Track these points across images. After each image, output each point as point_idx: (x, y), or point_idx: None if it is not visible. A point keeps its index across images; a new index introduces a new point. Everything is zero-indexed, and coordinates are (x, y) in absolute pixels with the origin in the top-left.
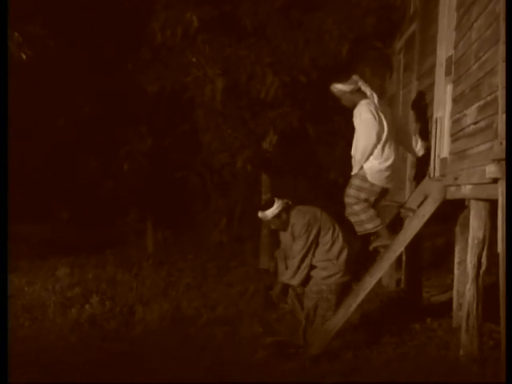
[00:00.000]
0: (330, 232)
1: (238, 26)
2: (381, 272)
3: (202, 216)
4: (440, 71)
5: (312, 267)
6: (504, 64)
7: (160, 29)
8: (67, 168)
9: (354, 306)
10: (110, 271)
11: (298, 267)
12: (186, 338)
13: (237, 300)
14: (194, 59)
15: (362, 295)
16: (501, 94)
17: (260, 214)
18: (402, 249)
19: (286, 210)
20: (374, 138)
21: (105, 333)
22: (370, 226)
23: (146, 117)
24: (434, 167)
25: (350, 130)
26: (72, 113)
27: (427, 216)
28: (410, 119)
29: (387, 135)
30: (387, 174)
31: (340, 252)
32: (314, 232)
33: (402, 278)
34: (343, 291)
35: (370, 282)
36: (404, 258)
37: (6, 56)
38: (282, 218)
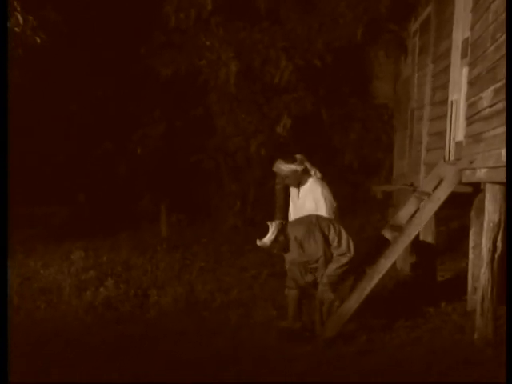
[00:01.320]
0: (332, 230)
1: (252, 9)
2: (395, 255)
3: (216, 200)
4: (456, 54)
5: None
6: None
7: (174, 12)
8: (81, 151)
9: (369, 289)
10: (125, 254)
11: (326, 265)
12: (199, 322)
13: (251, 284)
14: (207, 42)
15: (376, 278)
16: None
17: (259, 243)
18: (417, 232)
19: (281, 231)
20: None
21: (119, 315)
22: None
23: (160, 100)
24: (449, 150)
25: (365, 114)
26: (86, 96)
27: (442, 199)
28: (425, 102)
29: None
30: None
31: (348, 244)
32: (317, 232)
33: (416, 261)
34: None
35: (384, 265)
36: (418, 241)
37: (6, 54)
38: (281, 240)
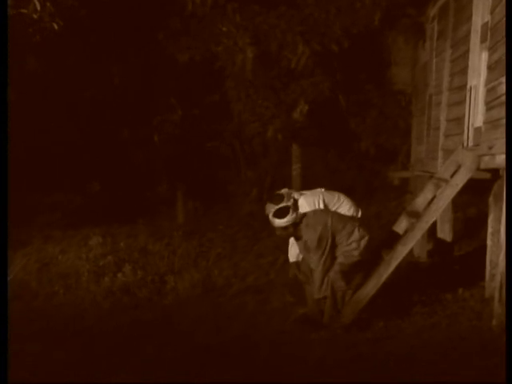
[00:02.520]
0: (344, 231)
1: None
2: (412, 242)
3: (233, 186)
4: (475, 38)
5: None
6: None
7: None
8: (99, 138)
9: (385, 275)
10: (142, 241)
11: (322, 281)
12: (216, 307)
13: (267, 270)
14: (224, 28)
15: (393, 265)
16: None
17: (267, 212)
18: (435, 219)
19: (293, 225)
20: None
21: (137, 301)
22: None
23: (177, 87)
24: (468, 136)
25: (382, 100)
26: (102, 83)
27: (460, 186)
28: (444, 88)
29: None
30: None
31: (359, 241)
32: (328, 242)
33: (434, 248)
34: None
35: (401, 252)
36: (436, 228)
37: (6, 54)
38: (289, 231)
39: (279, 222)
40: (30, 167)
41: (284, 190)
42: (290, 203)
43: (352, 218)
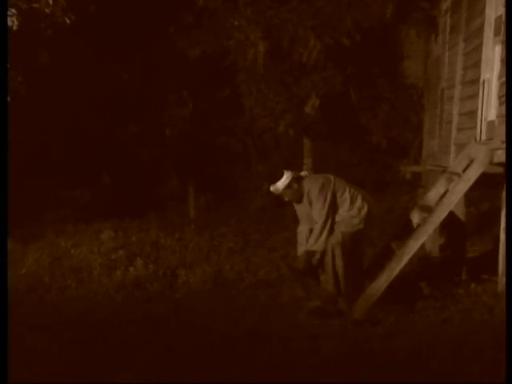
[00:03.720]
0: (347, 192)
1: None
2: (424, 236)
3: (244, 181)
4: (488, 31)
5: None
6: None
7: None
8: (110, 133)
9: (397, 270)
10: (153, 235)
11: (321, 232)
12: (228, 301)
13: (279, 264)
14: (235, 22)
15: (405, 259)
16: None
17: (272, 188)
18: (447, 213)
19: (296, 179)
20: None
21: (149, 295)
22: None
23: (188, 81)
24: (481, 130)
25: (394, 94)
26: (113, 77)
27: (473, 180)
28: (456, 82)
29: None
30: None
31: (360, 208)
32: (330, 193)
33: (446, 242)
34: (359, 239)
35: (413, 246)
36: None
37: (6, 53)
38: (294, 188)
39: (280, 182)
40: (42, 163)
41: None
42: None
43: (354, 187)
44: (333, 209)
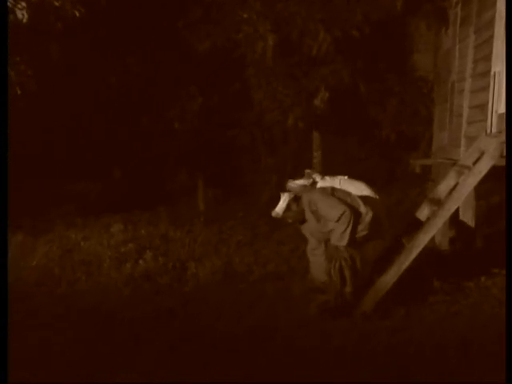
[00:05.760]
0: (348, 200)
1: None
2: (434, 229)
3: (253, 174)
4: (500, 24)
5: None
6: None
7: None
8: (119, 126)
9: (407, 263)
10: (163, 228)
11: (347, 225)
12: (237, 294)
13: (288, 257)
14: (245, 15)
15: (414, 253)
16: None
17: (273, 214)
18: (457, 206)
19: (293, 199)
20: None
21: (158, 287)
22: None
23: (197, 75)
24: (491, 123)
25: (404, 87)
26: (123, 71)
27: (483, 173)
28: (467, 75)
29: None
30: None
31: (364, 216)
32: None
33: (456, 236)
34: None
35: (423, 240)
36: (458, 215)
37: (7, 53)
38: (293, 209)
39: (279, 207)
40: (53, 156)
41: (308, 171)
42: (307, 182)
43: (353, 196)
44: (345, 203)
